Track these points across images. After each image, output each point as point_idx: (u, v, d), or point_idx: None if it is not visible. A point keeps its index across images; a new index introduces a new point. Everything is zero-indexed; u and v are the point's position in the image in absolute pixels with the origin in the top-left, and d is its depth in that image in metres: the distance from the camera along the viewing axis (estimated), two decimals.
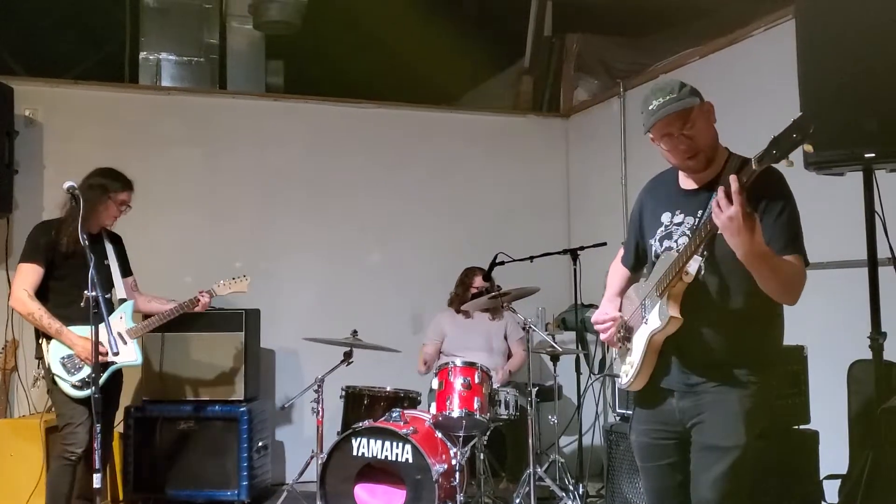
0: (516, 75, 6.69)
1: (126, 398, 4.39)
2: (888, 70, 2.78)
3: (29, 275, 3.63)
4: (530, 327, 4.29)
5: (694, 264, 2.17)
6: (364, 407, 4.28)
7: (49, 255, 3.64)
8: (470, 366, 4.05)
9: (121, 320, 3.81)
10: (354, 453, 3.89)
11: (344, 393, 4.37)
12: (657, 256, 2.37)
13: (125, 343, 3.76)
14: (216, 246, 5.27)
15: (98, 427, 3.08)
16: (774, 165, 1.97)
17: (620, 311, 2.53)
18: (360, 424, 3.96)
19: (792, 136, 1.89)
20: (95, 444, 3.10)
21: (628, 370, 2.42)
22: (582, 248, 4.88)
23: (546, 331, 5.40)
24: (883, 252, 2.98)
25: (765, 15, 4.19)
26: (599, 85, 6.11)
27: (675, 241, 2.33)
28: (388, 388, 4.36)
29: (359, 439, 3.89)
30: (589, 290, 4.94)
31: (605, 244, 4.64)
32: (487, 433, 4.14)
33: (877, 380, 2.94)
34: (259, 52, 6.45)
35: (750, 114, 3.69)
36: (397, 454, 3.82)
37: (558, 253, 4.97)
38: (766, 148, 1.94)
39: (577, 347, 5.10)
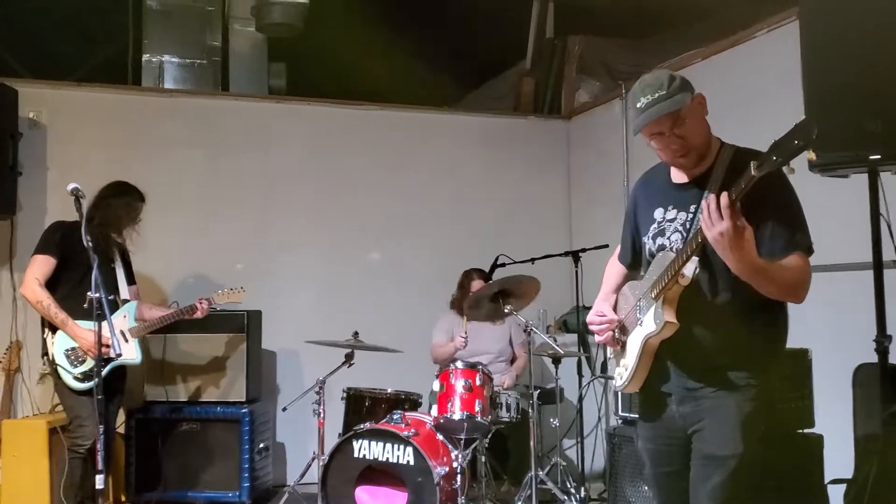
0: (518, 77, 6.69)
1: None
2: (893, 71, 2.76)
3: (42, 265, 3.79)
4: (531, 329, 4.27)
5: (690, 266, 2.10)
6: (365, 409, 4.29)
7: (63, 250, 3.77)
8: (471, 368, 4.04)
9: (124, 319, 3.93)
10: (356, 455, 3.88)
11: (345, 394, 4.37)
12: (652, 255, 2.31)
13: (126, 341, 3.88)
14: (218, 247, 5.28)
15: (100, 428, 3.12)
16: None
17: (615, 308, 2.47)
18: (362, 426, 3.95)
19: (794, 141, 1.80)
20: (98, 446, 3.14)
21: (623, 372, 2.38)
22: (583, 250, 4.87)
23: (547, 333, 5.38)
24: (888, 255, 2.96)
25: (768, 16, 4.17)
26: (601, 87, 6.11)
27: (668, 238, 2.27)
28: (390, 390, 4.35)
29: (360, 441, 3.89)
30: (590, 293, 4.87)
31: (606, 246, 4.62)
32: (489, 436, 4.13)
33: (882, 383, 2.92)
34: (261, 55, 6.46)
35: (752, 116, 3.68)
36: (399, 456, 3.81)
37: (560, 255, 4.97)
38: (766, 153, 1.86)
39: (579, 350, 5.09)
